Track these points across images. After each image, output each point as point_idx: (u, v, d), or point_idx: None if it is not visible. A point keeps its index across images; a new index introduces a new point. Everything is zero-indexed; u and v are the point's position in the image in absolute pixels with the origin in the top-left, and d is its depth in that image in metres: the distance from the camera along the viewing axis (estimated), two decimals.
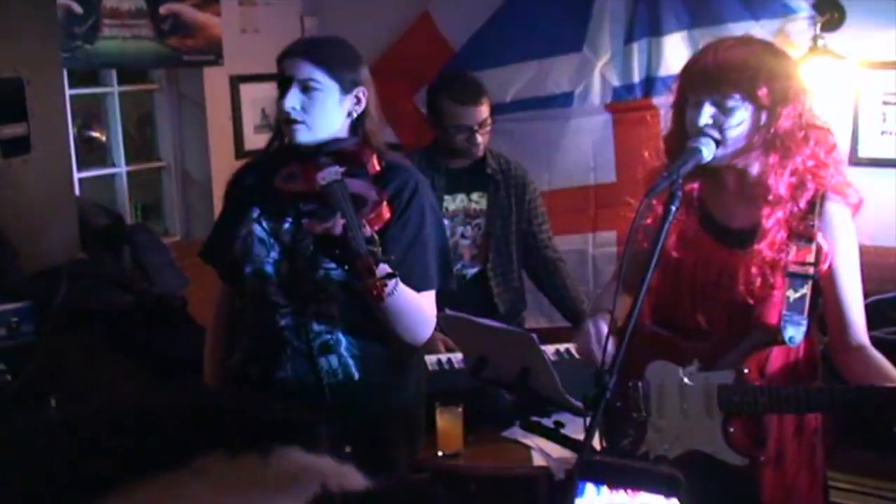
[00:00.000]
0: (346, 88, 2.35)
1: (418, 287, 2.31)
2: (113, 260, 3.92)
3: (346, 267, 2.09)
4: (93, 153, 4.58)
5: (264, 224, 2.38)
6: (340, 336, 2.34)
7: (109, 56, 4.25)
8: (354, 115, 2.38)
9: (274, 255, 2.36)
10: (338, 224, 2.04)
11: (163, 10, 4.40)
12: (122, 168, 4.66)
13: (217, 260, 2.55)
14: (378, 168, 2.30)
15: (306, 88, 2.31)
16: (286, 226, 2.36)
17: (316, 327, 2.34)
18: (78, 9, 4.05)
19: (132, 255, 3.80)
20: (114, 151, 4.66)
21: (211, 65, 4.66)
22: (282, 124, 2.35)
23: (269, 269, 2.36)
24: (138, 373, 2.52)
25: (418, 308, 2.32)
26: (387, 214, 2.19)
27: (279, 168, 2.34)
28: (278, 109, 2.33)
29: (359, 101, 2.38)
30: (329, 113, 2.33)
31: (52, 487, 0.58)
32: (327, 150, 2.31)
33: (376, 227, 2.14)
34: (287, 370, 2.36)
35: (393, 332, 2.32)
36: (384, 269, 2.04)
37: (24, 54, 2.38)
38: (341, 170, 2.23)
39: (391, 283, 2.08)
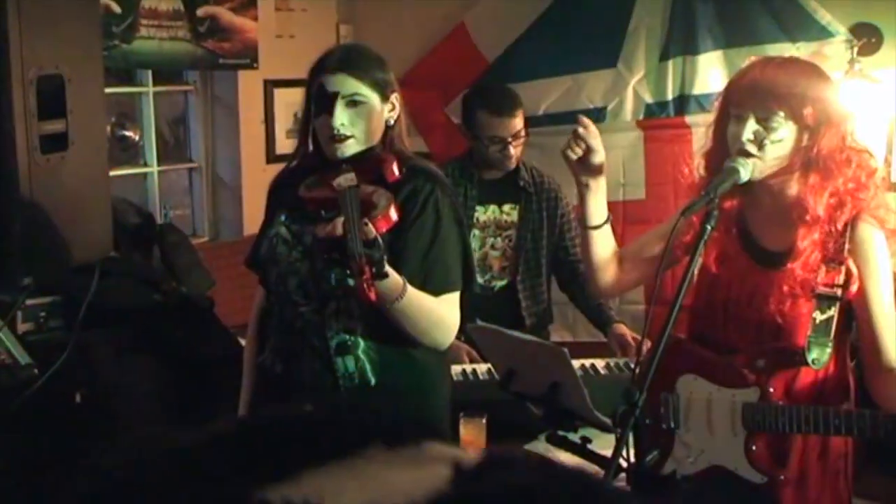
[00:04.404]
0: (385, 97, 2.35)
1: (438, 290, 2.30)
2: (142, 258, 3.94)
3: (347, 271, 2.07)
4: (125, 152, 4.63)
5: (290, 227, 2.41)
6: (359, 338, 2.34)
7: (146, 56, 4.29)
8: (392, 121, 2.38)
9: (296, 254, 2.38)
10: (337, 226, 2.04)
11: (200, 12, 4.44)
12: (153, 168, 4.70)
13: (257, 266, 2.56)
14: (397, 174, 2.29)
15: (352, 103, 2.30)
16: (309, 229, 2.37)
17: (334, 326, 2.34)
18: (116, 8, 4.10)
19: (161, 254, 3.82)
20: (146, 151, 4.71)
21: (246, 68, 4.70)
22: (324, 140, 2.33)
23: (290, 268, 2.38)
24: (163, 372, 2.53)
25: (432, 312, 2.29)
26: (394, 217, 2.18)
27: (306, 175, 2.35)
28: (322, 126, 2.31)
29: (394, 106, 2.38)
30: (374, 124, 2.34)
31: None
32: (348, 158, 2.31)
33: (384, 230, 2.13)
34: (304, 370, 2.37)
35: (411, 336, 2.31)
36: (384, 272, 2.04)
37: (65, 51, 2.38)
38: (353, 175, 2.24)
39: (395, 289, 2.12)
